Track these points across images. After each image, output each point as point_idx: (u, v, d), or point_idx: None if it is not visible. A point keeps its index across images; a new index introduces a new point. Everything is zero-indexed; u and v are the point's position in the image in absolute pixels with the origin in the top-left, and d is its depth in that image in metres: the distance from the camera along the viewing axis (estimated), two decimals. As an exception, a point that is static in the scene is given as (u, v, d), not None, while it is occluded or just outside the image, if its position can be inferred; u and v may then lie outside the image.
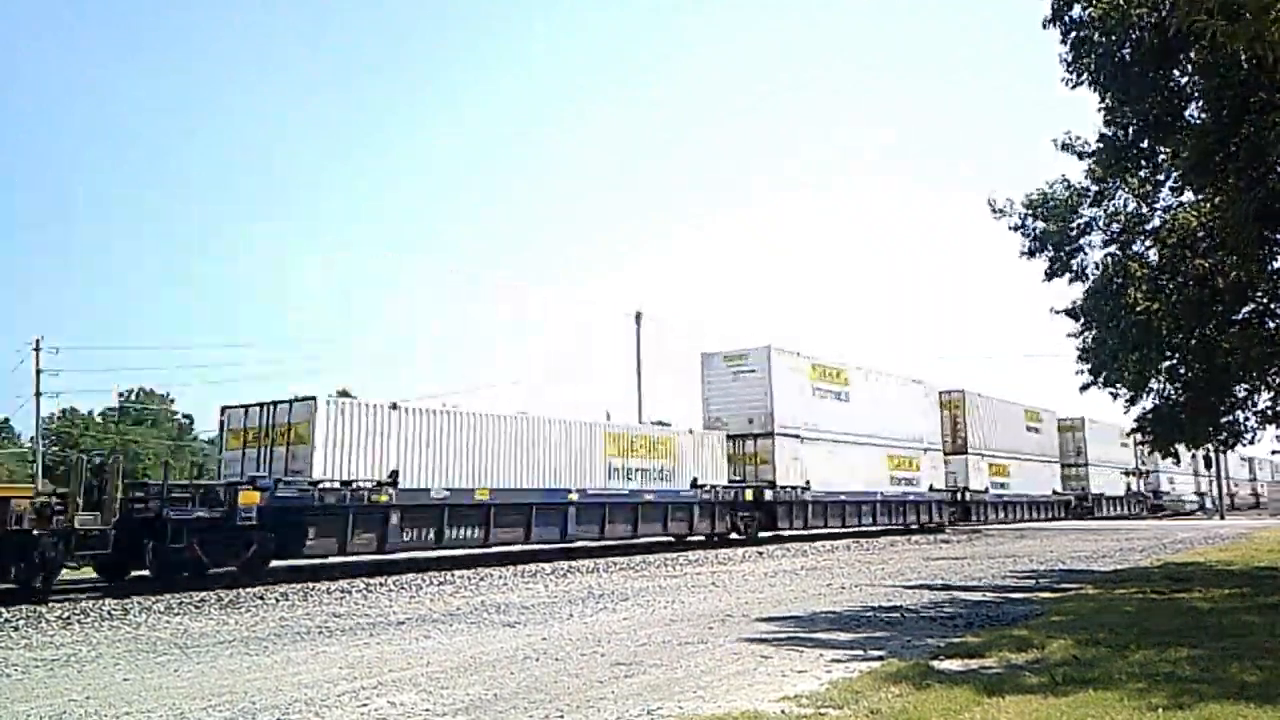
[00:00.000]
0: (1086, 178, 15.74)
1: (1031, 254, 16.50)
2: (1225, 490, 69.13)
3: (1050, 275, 16.39)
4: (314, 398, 16.26)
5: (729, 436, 25.81)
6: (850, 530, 29.47)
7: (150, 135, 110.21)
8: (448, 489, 17.47)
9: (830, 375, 29.43)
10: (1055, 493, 43.63)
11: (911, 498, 32.45)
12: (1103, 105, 13.21)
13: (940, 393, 36.46)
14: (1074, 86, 12.98)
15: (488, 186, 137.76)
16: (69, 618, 10.64)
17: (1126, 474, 54.77)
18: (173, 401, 74.03)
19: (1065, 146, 15.20)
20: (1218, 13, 6.05)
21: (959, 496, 35.44)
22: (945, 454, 35.64)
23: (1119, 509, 52.38)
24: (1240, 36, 6.06)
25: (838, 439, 28.91)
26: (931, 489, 33.52)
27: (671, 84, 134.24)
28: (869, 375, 31.64)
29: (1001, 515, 38.59)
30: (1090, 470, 48.55)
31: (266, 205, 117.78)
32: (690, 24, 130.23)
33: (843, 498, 28.72)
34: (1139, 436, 19.39)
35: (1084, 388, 17.45)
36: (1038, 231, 16.32)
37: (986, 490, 37.05)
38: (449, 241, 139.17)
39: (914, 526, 33.19)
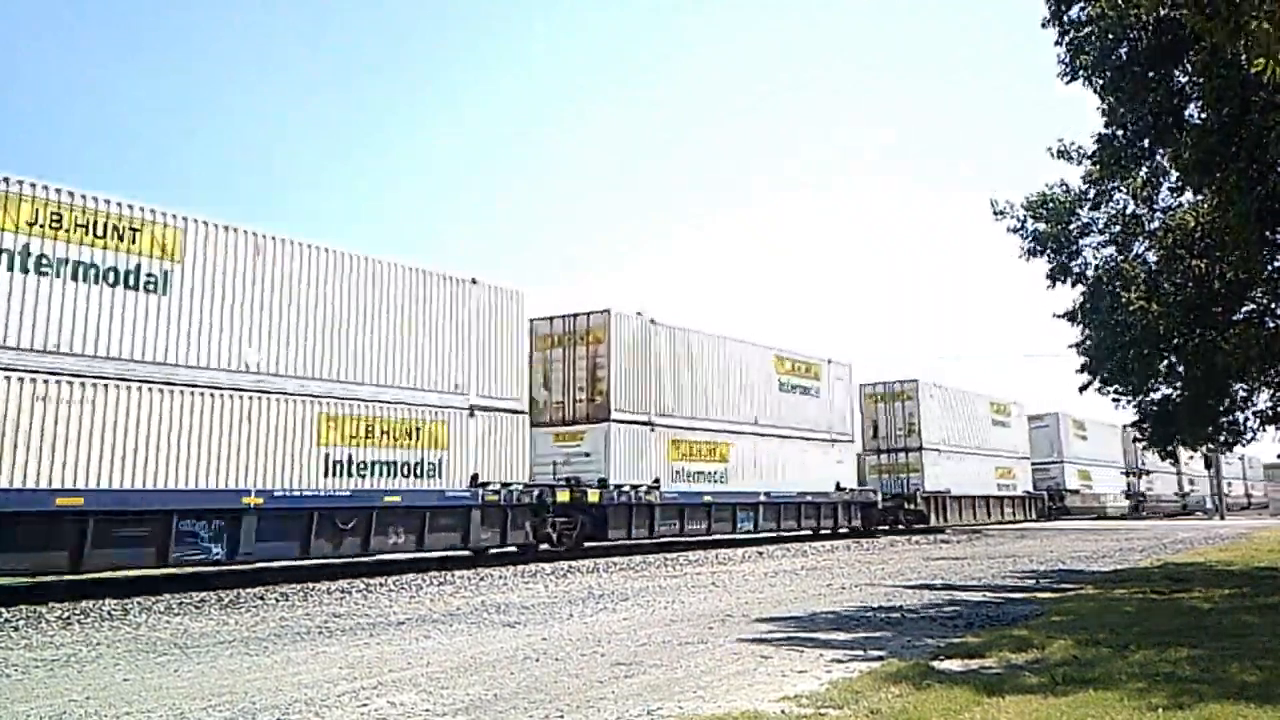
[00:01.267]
0: (1084, 181, 15.80)
1: (1031, 255, 16.57)
2: (1182, 489, 62.20)
3: (1052, 280, 16.46)
4: None
5: None
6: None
7: (150, 135, 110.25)
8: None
9: (98, 233, 12.78)
10: (843, 489, 28.71)
11: (397, 500, 15.71)
12: (1102, 106, 13.24)
13: (551, 319, 21.51)
14: (1069, 82, 13.02)
15: (488, 186, 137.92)
16: (69, 618, 10.64)
17: (1009, 464, 40.00)
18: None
19: (1061, 154, 15.27)
20: (1193, 8, 6.05)
21: (566, 497, 19.13)
22: (572, 423, 21.07)
23: (985, 512, 37.12)
24: (1218, 31, 6.06)
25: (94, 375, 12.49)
26: (481, 483, 17.10)
27: (672, 84, 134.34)
28: (273, 244, 14.84)
29: (698, 525, 22.69)
30: (927, 458, 33.02)
31: (266, 205, 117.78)
32: (690, 24, 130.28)
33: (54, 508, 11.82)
34: (1138, 436, 19.47)
35: (1083, 388, 17.53)
36: (1036, 233, 16.39)
37: (655, 486, 21.29)
38: (449, 241, 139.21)
39: (427, 554, 16.93)
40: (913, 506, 32.79)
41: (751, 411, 25.57)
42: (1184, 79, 12.41)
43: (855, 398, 31.47)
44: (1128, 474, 56.07)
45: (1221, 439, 19.14)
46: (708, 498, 23.20)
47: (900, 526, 32.82)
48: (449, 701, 5.89)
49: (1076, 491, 47.68)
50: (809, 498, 27.13)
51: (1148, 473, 60.54)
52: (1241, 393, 16.94)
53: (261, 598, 12.71)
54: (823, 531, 28.53)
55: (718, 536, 23.84)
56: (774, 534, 26.57)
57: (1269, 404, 17.05)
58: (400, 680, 6.64)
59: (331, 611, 11.21)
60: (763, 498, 25.09)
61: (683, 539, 23.03)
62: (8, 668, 7.51)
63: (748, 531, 24.71)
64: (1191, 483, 65.57)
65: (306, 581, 14.76)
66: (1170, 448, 19.33)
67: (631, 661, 7.25)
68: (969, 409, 37.26)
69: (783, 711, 5.40)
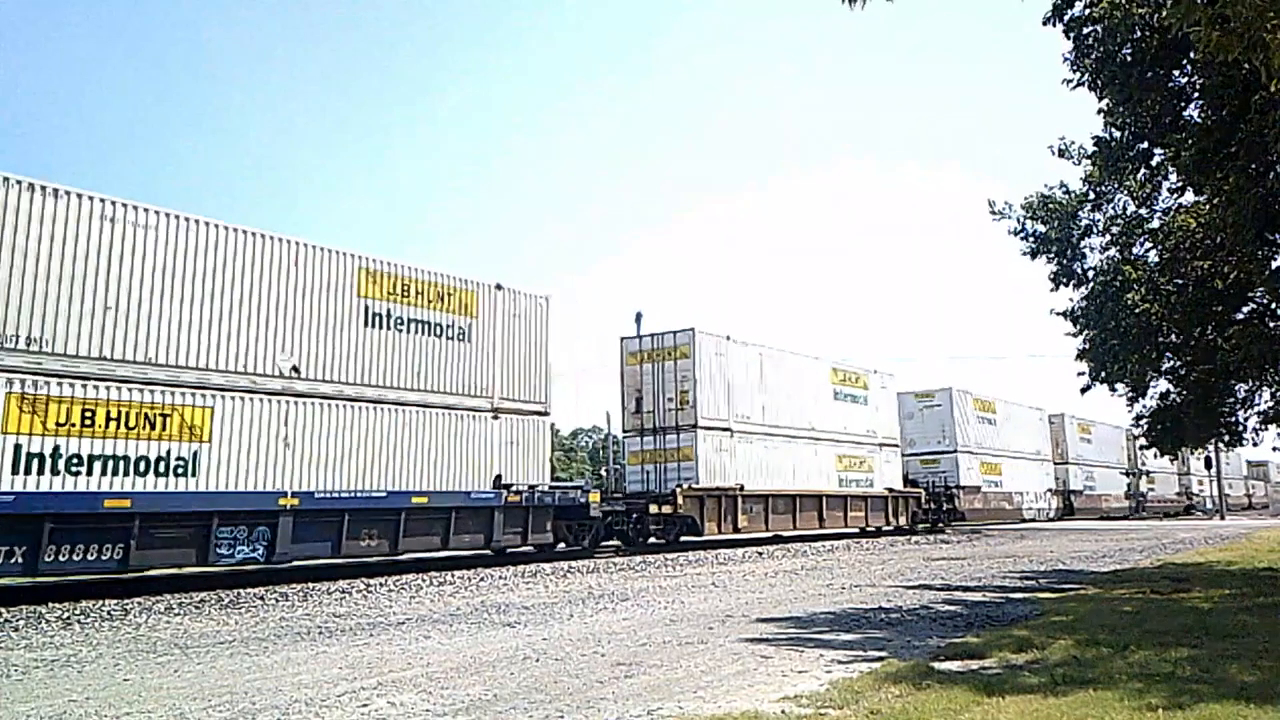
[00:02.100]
0: (1084, 183, 15.85)
1: (1033, 255, 16.61)
2: (1140, 488, 56.12)
3: (1056, 284, 16.50)
4: None
5: None
6: None
7: (150, 135, 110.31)
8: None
9: None
10: (511, 487, 18.41)
11: None
12: (1102, 106, 13.26)
13: None
14: (1074, 87, 13.03)
15: (487, 186, 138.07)
16: (69, 618, 10.65)
17: (863, 454, 30.43)
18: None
19: (1061, 153, 15.33)
20: (1207, 23, 6.06)
21: None
22: None
23: (816, 517, 27.31)
24: (1232, 46, 6.07)
25: None
26: None
27: (670, 85, 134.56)
28: None
29: (81, 555, 12.53)
30: (705, 441, 23.64)
31: (266, 205, 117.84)
32: (689, 24, 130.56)
33: None
34: (1143, 437, 19.49)
35: (1085, 389, 17.55)
36: (1038, 234, 16.42)
37: None
38: (448, 241, 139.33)
39: None
40: (668, 510, 22.21)
41: (280, 355, 15.23)
42: (1184, 79, 12.43)
43: (550, 348, 20.12)
44: (1062, 463, 47.39)
45: (1225, 439, 19.18)
46: (115, 502, 12.92)
47: (647, 540, 22.50)
48: (449, 701, 5.89)
49: (976, 489, 37.38)
50: (413, 502, 16.55)
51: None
52: (1243, 392, 16.96)
53: (261, 598, 12.72)
54: (463, 552, 18.28)
55: (164, 570, 15.04)
56: (331, 559, 16.70)
57: (1270, 404, 17.07)
58: (400, 680, 6.64)
59: (331, 611, 11.22)
60: (289, 502, 14.79)
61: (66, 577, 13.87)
62: (8, 668, 7.51)
63: (250, 560, 14.38)
64: (1151, 481, 58.45)
65: (307, 581, 14.76)
66: (1176, 448, 19.35)
67: (632, 661, 7.25)
68: (789, 376, 27.56)
69: (783, 711, 5.40)
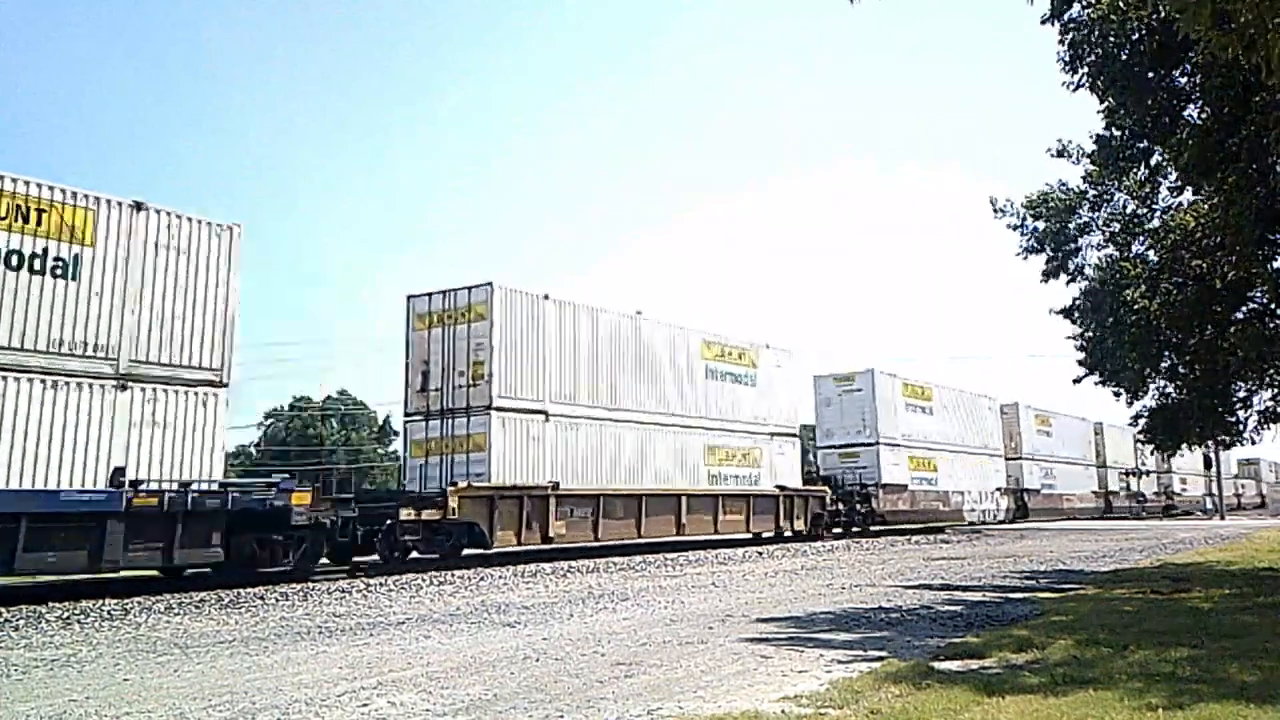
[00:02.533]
0: (1084, 181, 15.88)
1: (1030, 253, 16.64)
2: (1105, 486, 51.86)
3: (1047, 276, 16.52)
4: None
5: None
6: None
7: (150, 135, 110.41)
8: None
9: None
10: (132, 485, 12.82)
11: None
12: (1102, 107, 13.26)
13: None
14: (1075, 89, 13.03)
15: (487, 186, 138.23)
16: (69, 618, 10.64)
17: (747, 445, 25.30)
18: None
19: (1060, 153, 15.35)
20: (1209, 25, 6.08)
21: None
22: None
23: (671, 521, 22.09)
24: (1234, 46, 6.09)
25: None
26: None
27: (670, 85, 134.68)
28: None
29: None
30: (501, 427, 18.49)
31: (266, 204, 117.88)
32: (690, 23, 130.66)
33: None
34: (1142, 436, 19.51)
35: (1077, 380, 17.62)
36: (1036, 231, 16.47)
37: None
38: (448, 241, 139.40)
39: None
40: (434, 515, 16.88)
41: None
42: (1184, 79, 12.42)
43: (233, 296, 14.51)
44: (1015, 459, 41.72)
45: (1223, 438, 19.19)
46: None
47: (406, 556, 17.14)
48: (449, 701, 5.89)
49: (901, 487, 31.82)
50: None
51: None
52: (1242, 392, 16.97)
53: (261, 598, 12.71)
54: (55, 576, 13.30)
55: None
56: None
57: (1270, 403, 17.07)
58: (400, 680, 6.64)
59: (331, 611, 11.21)
60: None
61: None
62: (8, 668, 7.51)
63: None
64: (1126, 478, 54.53)
65: (306, 581, 14.76)
66: (1176, 447, 19.37)
67: (632, 661, 7.25)
68: (639, 348, 22.14)
69: (783, 711, 5.39)
